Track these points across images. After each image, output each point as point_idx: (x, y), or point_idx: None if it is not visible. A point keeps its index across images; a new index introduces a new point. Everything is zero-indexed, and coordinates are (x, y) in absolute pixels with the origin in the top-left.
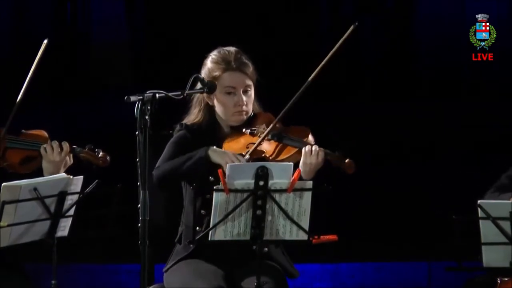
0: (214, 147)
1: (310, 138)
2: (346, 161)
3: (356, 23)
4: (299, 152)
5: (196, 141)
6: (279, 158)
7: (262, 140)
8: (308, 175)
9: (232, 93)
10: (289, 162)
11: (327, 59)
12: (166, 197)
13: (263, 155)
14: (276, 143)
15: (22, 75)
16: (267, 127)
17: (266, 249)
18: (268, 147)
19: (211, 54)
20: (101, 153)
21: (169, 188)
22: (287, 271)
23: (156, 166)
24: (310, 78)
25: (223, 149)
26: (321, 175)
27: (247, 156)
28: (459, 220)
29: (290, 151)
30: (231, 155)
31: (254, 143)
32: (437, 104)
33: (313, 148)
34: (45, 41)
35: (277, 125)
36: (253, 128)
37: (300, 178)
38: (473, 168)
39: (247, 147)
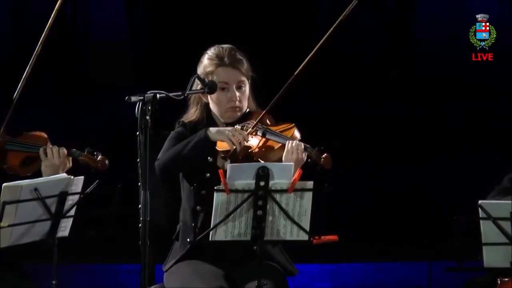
0: (214, 128)
1: (296, 133)
2: (323, 156)
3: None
4: (282, 147)
5: None
6: (262, 153)
7: (248, 134)
8: None
9: (225, 89)
10: (272, 157)
11: (328, 35)
12: (166, 197)
13: (249, 150)
14: (264, 139)
15: (22, 75)
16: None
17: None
18: (254, 142)
19: (207, 51)
20: (100, 156)
21: (172, 178)
22: (286, 269)
23: (157, 158)
24: (306, 59)
25: (216, 148)
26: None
27: (248, 131)
28: (460, 220)
29: (274, 146)
30: (231, 129)
31: None
32: (437, 104)
33: (294, 143)
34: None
35: (268, 121)
36: (243, 124)
37: (300, 178)
38: (473, 168)
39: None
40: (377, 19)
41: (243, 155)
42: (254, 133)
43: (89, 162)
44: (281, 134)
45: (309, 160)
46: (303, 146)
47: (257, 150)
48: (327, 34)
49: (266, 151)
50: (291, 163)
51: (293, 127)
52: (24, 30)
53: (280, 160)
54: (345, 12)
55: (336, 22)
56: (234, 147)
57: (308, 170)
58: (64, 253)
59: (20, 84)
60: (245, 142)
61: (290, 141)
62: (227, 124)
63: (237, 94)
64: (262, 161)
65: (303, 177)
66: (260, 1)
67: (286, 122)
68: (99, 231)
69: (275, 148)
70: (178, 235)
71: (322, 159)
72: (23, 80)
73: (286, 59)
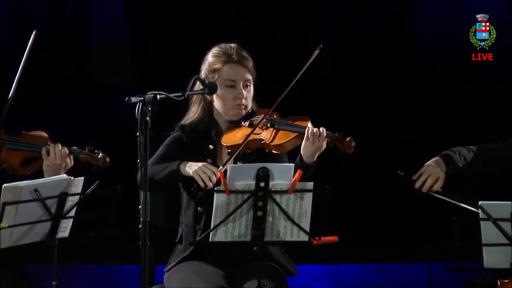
0: (188, 162)
1: (310, 125)
2: (347, 139)
3: (321, 46)
4: (299, 136)
5: (191, 141)
6: (277, 143)
7: (257, 126)
8: (309, 158)
9: (232, 87)
10: (288, 146)
11: (295, 80)
12: (166, 198)
13: (262, 142)
14: (275, 130)
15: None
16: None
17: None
18: (266, 134)
19: (211, 49)
20: (100, 154)
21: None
22: (286, 269)
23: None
24: (279, 99)
25: (222, 143)
26: (322, 176)
27: (221, 167)
28: (460, 221)
29: (289, 135)
30: (201, 165)
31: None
32: (437, 104)
33: (315, 130)
34: (34, 32)
35: (275, 116)
36: (252, 120)
37: (301, 178)
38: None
39: (245, 137)
40: (377, 19)
41: (255, 147)
42: (264, 127)
43: (90, 160)
44: (293, 124)
45: (330, 145)
46: (325, 133)
47: (269, 141)
48: (294, 79)
49: (279, 142)
50: (291, 164)
51: (308, 120)
52: (24, 31)
53: (297, 149)
54: (310, 59)
55: (302, 69)
56: (205, 186)
57: (328, 155)
58: (64, 253)
59: (14, 85)
60: (215, 179)
61: (311, 128)
62: (231, 122)
63: (243, 92)
64: (276, 152)
65: (321, 163)
66: (260, 1)
67: (300, 116)
68: (100, 232)
69: (290, 137)
70: (181, 238)
71: (345, 143)
72: (19, 76)
73: (286, 60)
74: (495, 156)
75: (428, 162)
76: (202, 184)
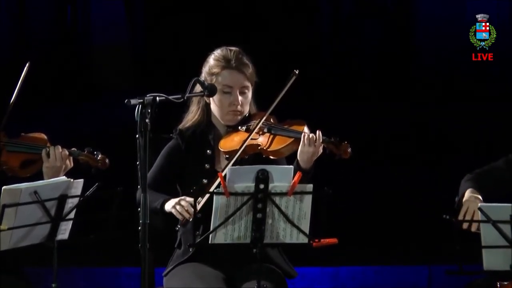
0: (170, 199)
1: (306, 129)
2: (342, 144)
3: (296, 71)
4: (296, 141)
5: (189, 148)
6: (274, 148)
7: (253, 132)
8: (306, 163)
9: (229, 93)
10: (285, 151)
11: (274, 106)
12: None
13: (259, 148)
14: (272, 135)
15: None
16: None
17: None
18: (263, 140)
19: (214, 51)
20: (100, 155)
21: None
22: (285, 272)
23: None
24: (269, 110)
25: (220, 149)
26: (322, 178)
27: (203, 200)
28: (460, 223)
29: (286, 141)
30: (177, 200)
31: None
32: (436, 104)
33: (311, 135)
34: (28, 64)
35: (272, 120)
36: (248, 124)
37: (301, 181)
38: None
39: (242, 143)
40: (377, 19)
41: (253, 153)
42: (261, 132)
43: (90, 162)
44: (290, 129)
45: (326, 151)
46: (321, 138)
47: (266, 147)
48: (272, 106)
49: (276, 147)
50: (291, 166)
51: (304, 124)
52: (25, 32)
53: (294, 154)
54: (286, 86)
55: (279, 97)
56: (184, 219)
57: (325, 160)
58: (64, 256)
59: (15, 94)
60: (192, 210)
61: (307, 134)
62: (228, 127)
63: (240, 98)
64: (274, 157)
65: (318, 168)
66: (261, 2)
67: (296, 120)
68: (100, 234)
69: (288, 142)
70: (180, 243)
71: (342, 149)
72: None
73: (286, 60)
74: (500, 176)
75: (466, 198)
76: (180, 217)
